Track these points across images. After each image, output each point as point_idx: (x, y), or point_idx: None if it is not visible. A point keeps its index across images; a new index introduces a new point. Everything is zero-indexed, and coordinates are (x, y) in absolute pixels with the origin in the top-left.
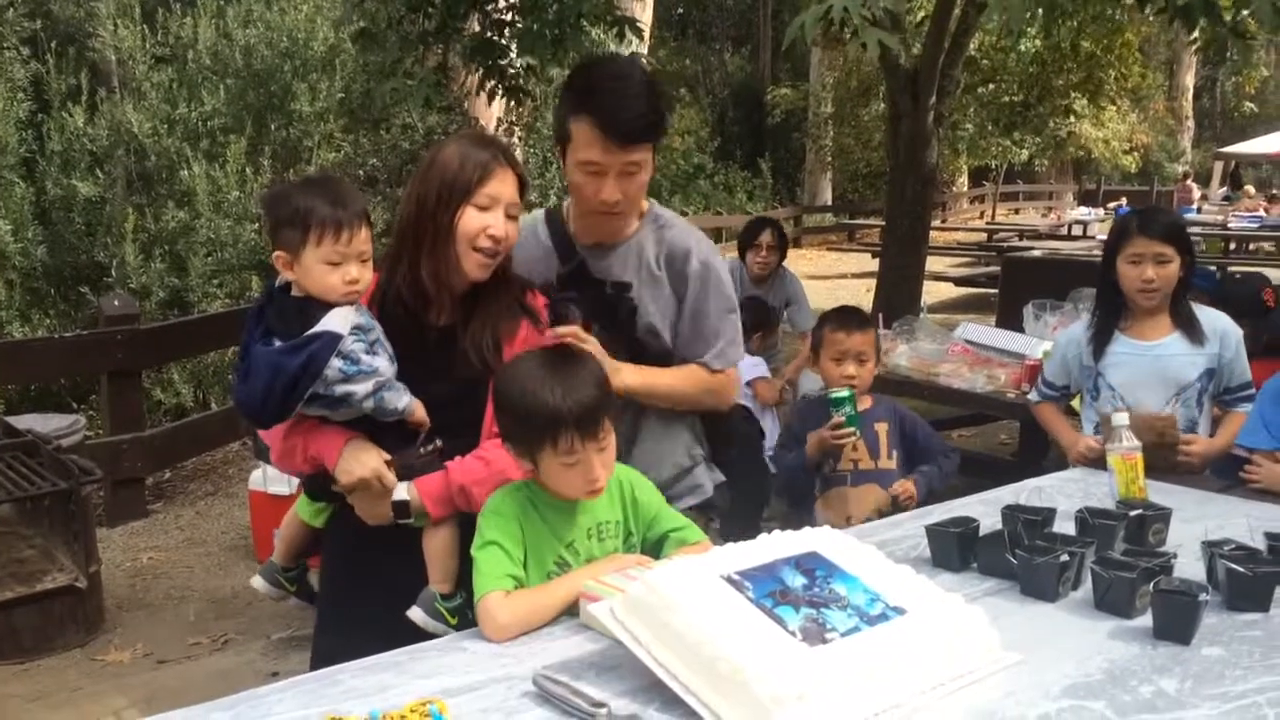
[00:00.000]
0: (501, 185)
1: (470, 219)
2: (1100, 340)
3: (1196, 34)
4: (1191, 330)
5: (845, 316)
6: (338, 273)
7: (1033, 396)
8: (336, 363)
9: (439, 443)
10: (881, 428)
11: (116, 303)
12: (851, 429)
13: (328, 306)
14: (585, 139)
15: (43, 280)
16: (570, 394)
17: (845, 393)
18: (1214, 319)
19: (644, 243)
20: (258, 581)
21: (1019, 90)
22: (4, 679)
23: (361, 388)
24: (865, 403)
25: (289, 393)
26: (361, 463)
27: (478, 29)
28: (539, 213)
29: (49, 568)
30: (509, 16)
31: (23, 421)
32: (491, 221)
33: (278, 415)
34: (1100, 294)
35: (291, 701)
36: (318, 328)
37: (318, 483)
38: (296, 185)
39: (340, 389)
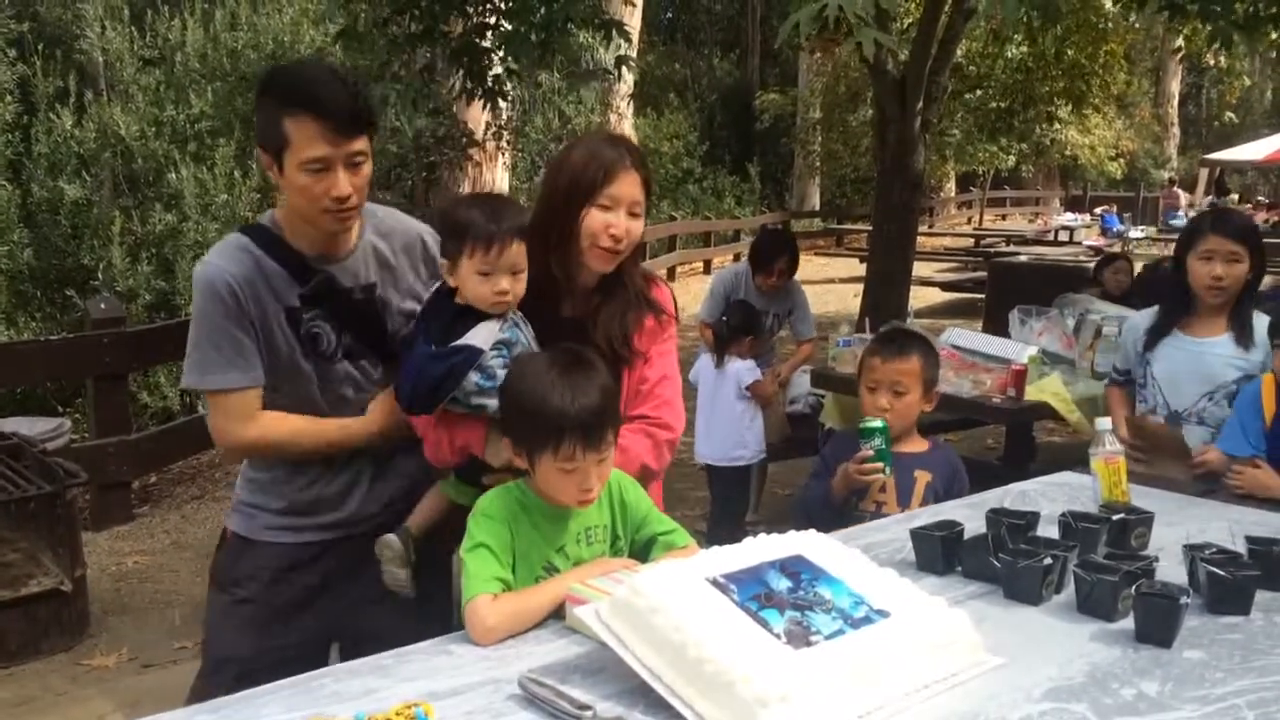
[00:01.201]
0: (624, 186)
1: (593, 218)
2: (1156, 332)
3: (1199, 31)
4: (1242, 333)
5: (885, 339)
6: (489, 283)
7: (1106, 381)
8: (474, 376)
9: None
10: (923, 477)
11: (103, 305)
12: (880, 465)
13: (480, 317)
14: (306, 136)
15: (29, 283)
16: (578, 399)
17: (877, 423)
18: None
19: (373, 240)
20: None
21: (1004, 97)
22: None
23: (494, 403)
24: (918, 446)
25: (430, 395)
26: (507, 444)
27: (461, 31)
28: (238, 237)
29: (34, 571)
30: (493, 20)
31: (8, 424)
32: (614, 221)
33: (421, 410)
34: (1170, 291)
35: (277, 705)
36: (463, 340)
37: (470, 468)
38: (463, 200)
39: (475, 400)
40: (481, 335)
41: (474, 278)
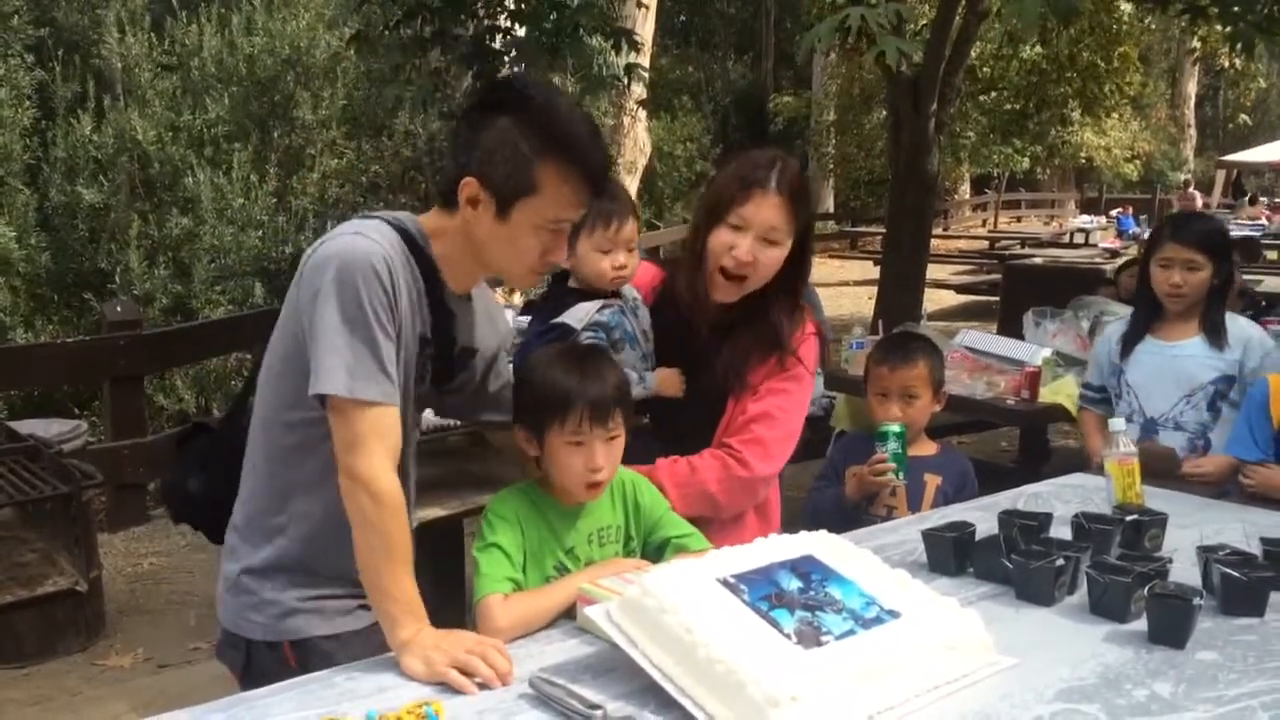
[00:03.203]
0: (761, 210)
1: (718, 237)
2: (1130, 340)
3: (1217, 33)
4: (1215, 335)
5: (890, 347)
6: (607, 259)
7: (1080, 403)
8: None
9: (645, 418)
10: (933, 480)
11: (119, 309)
12: (893, 467)
13: (584, 298)
14: (565, 193)
15: (47, 286)
16: (587, 379)
17: (895, 427)
18: (1244, 328)
19: (478, 303)
20: None
21: (1018, 99)
22: (4, 683)
23: None
24: (927, 449)
25: None
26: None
27: (472, 34)
28: (392, 230)
29: (50, 572)
30: (504, 21)
31: (25, 426)
32: (739, 243)
33: None
34: (1138, 296)
35: (288, 703)
36: (559, 319)
37: None
38: None
39: None
40: (576, 315)
41: (592, 255)
